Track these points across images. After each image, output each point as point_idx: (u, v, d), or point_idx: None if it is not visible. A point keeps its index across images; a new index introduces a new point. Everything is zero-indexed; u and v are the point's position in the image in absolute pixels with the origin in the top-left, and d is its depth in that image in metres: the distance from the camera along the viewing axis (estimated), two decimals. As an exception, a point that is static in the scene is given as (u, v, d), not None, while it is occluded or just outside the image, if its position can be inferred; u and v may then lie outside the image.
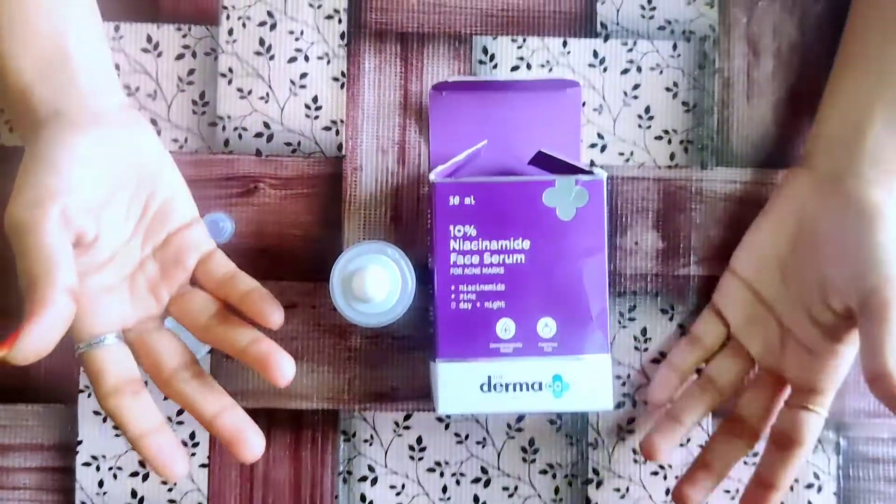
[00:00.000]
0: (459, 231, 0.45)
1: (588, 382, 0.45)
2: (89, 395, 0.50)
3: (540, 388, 0.44)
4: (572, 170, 0.46)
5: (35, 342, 0.37)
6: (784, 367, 0.48)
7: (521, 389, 0.44)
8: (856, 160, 0.46)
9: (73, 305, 0.38)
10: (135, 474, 0.51)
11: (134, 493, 0.50)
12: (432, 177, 0.45)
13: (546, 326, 0.45)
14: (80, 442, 0.50)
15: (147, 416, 0.42)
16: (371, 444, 0.51)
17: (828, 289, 0.45)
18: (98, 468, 0.50)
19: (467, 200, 0.45)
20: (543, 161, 0.48)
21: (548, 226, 0.45)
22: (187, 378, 0.43)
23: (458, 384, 0.44)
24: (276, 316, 0.43)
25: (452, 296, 0.45)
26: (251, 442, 0.42)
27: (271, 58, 0.51)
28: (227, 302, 0.45)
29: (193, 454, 0.51)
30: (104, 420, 0.50)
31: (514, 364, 0.44)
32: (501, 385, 0.44)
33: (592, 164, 0.51)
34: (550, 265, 0.45)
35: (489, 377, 0.44)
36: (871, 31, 0.48)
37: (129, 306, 0.44)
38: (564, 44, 0.52)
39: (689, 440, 0.52)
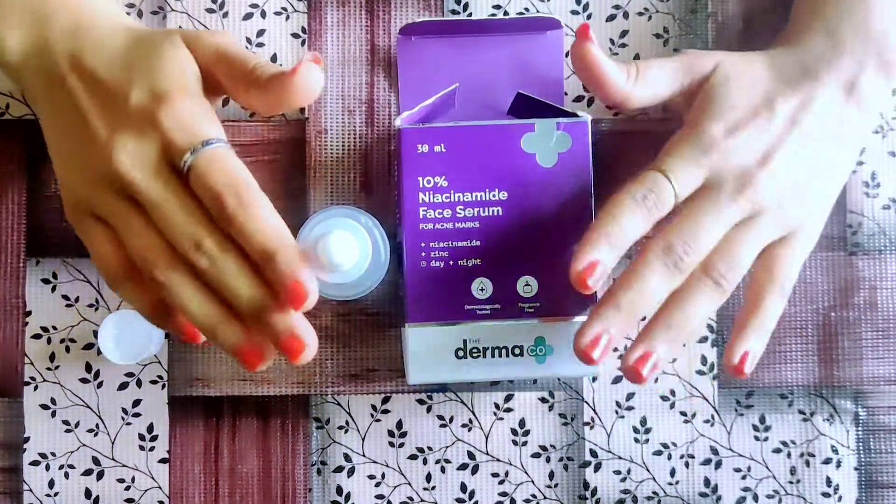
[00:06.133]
0: (429, 182, 0.41)
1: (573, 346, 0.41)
2: (35, 388, 0.46)
3: (521, 353, 0.41)
4: (554, 113, 0.41)
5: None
6: None
7: (499, 355, 0.41)
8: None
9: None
10: (88, 472, 0.47)
11: (88, 493, 0.47)
12: (398, 122, 0.41)
13: (527, 286, 0.41)
14: (27, 439, 0.46)
15: None
16: (346, 431, 0.48)
17: None
18: (48, 467, 0.46)
19: (437, 148, 0.41)
20: (523, 107, 0.44)
21: (527, 174, 0.41)
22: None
23: (430, 351, 0.41)
24: None
25: (422, 254, 0.41)
26: None
27: (225, 14, 0.48)
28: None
29: (152, 448, 0.46)
30: (53, 415, 0.46)
31: (491, 327, 0.41)
32: (478, 350, 0.41)
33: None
34: (530, 218, 0.41)
35: (465, 342, 0.41)
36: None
37: None
38: (544, -11, 0.48)
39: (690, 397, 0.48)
